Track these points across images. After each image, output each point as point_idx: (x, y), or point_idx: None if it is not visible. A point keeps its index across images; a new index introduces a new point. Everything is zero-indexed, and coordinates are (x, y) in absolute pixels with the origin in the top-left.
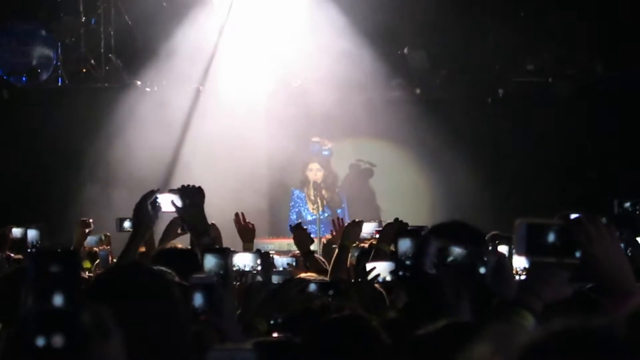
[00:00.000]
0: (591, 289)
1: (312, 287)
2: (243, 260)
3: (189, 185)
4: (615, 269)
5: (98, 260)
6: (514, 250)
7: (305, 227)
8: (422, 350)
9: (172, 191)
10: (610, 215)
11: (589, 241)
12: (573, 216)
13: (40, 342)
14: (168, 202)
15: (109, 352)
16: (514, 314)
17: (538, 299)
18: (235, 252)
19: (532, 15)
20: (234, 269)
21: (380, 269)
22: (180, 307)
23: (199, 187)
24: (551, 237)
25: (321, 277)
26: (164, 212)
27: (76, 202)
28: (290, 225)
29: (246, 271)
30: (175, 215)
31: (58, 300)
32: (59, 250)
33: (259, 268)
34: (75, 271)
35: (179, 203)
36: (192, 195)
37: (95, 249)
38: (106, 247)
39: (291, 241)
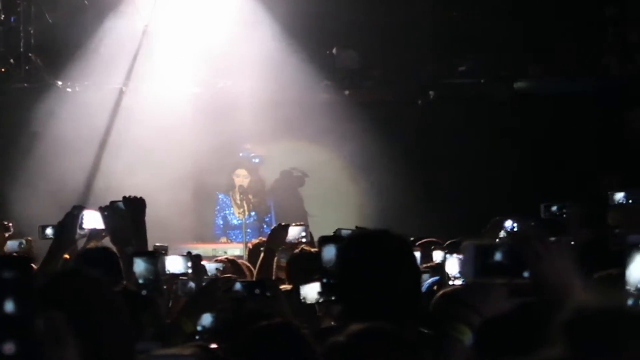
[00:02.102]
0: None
1: (238, 286)
2: (174, 264)
3: (130, 197)
4: (564, 287)
5: None
6: (461, 272)
7: (231, 232)
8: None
9: (115, 210)
10: (537, 219)
11: (537, 260)
12: (507, 224)
13: None
14: (93, 219)
15: (63, 359)
16: (452, 329)
17: (476, 313)
18: (164, 254)
19: (464, 15)
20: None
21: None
22: (124, 315)
23: (142, 199)
24: (499, 257)
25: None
26: (88, 228)
27: None
28: (215, 233)
29: (176, 274)
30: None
31: (10, 306)
32: (10, 255)
33: (190, 271)
34: (28, 277)
35: (102, 223)
36: (135, 209)
37: (15, 254)
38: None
39: (216, 246)
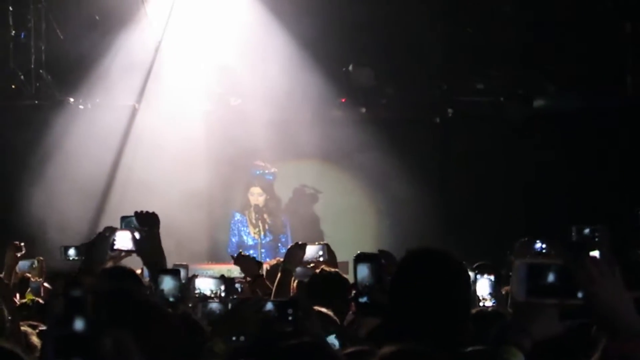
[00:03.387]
0: (588, 325)
1: (269, 306)
2: (206, 285)
3: (143, 212)
4: (618, 309)
5: (29, 289)
6: (511, 292)
7: (246, 252)
8: None
9: (127, 226)
10: (568, 242)
11: (591, 281)
12: (537, 245)
13: None
14: (124, 239)
15: None
16: (503, 352)
17: (527, 336)
18: (196, 275)
19: (481, 32)
20: (196, 292)
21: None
22: (182, 334)
23: (154, 215)
24: (552, 278)
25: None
26: (119, 249)
27: (9, 224)
28: (231, 255)
29: (207, 296)
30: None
31: (79, 324)
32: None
33: (223, 294)
34: (98, 295)
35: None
36: (149, 225)
37: (27, 274)
38: (38, 279)
39: (231, 266)
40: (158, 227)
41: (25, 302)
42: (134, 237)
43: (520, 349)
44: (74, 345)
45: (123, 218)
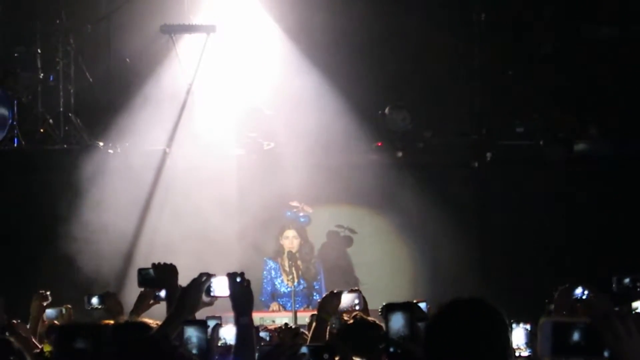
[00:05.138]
0: None
1: (304, 350)
2: (231, 334)
3: (160, 264)
4: None
5: None
6: (538, 350)
7: (280, 300)
8: None
9: (231, 274)
10: (609, 292)
11: (617, 339)
12: (578, 291)
13: None
14: (221, 285)
15: None
16: None
17: None
18: (220, 325)
19: (521, 75)
20: (220, 342)
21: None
22: None
23: (172, 267)
24: (577, 336)
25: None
26: (217, 296)
27: (34, 273)
28: (263, 300)
29: (231, 345)
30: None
31: None
32: (83, 325)
33: None
34: (101, 347)
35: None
36: (166, 277)
37: (55, 322)
38: None
39: (264, 314)
40: (176, 280)
41: (43, 352)
42: (231, 283)
43: None
44: None
45: (140, 271)
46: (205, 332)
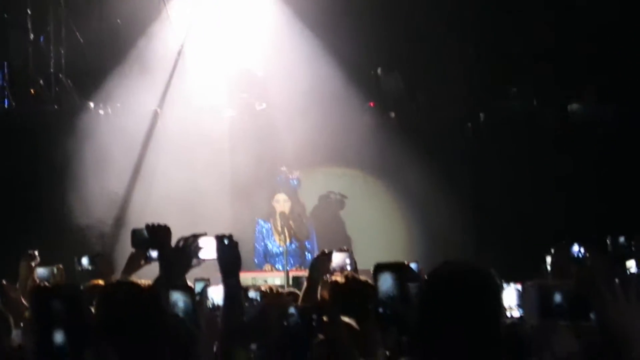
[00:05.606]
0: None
1: (293, 311)
2: (219, 295)
3: (154, 225)
4: (631, 334)
5: None
6: (524, 314)
7: (272, 259)
8: None
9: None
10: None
11: (603, 303)
12: (575, 249)
13: None
14: (208, 247)
15: None
16: None
17: (550, 353)
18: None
19: (515, 37)
20: (209, 302)
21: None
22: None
23: (166, 228)
24: (562, 300)
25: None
26: (204, 259)
27: (23, 233)
28: (256, 262)
29: (219, 306)
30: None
31: (59, 338)
32: (60, 286)
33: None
34: (79, 308)
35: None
36: (160, 238)
37: (45, 283)
38: None
39: (256, 274)
40: (170, 241)
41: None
42: (218, 245)
43: None
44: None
45: (134, 231)
46: (192, 296)
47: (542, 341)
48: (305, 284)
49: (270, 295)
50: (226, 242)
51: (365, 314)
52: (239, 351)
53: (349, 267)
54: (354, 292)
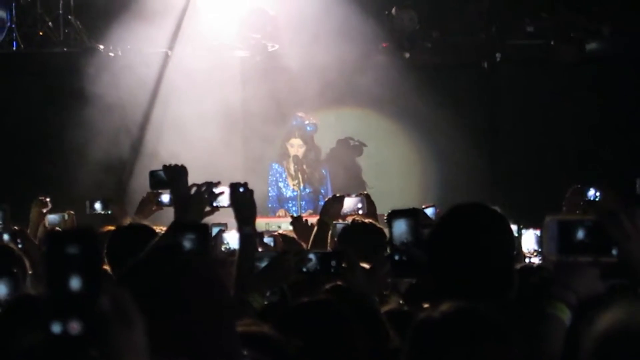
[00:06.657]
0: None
1: (312, 256)
2: (234, 239)
3: (171, 165)
4: None
5: None
6: (544, 250)
7: (286, 204)
8: (426, 337)
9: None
10: (632, 195)
11: (626, 237)
12: (590, 193)
13: (57, 328)
14: (223, 196)
15: (130, 340)
16: (551, 307)
17: (573, 293)
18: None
19: None
20: (224, 246)
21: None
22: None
23: (183, 167)
24: (583, 234)
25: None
26: (219, 206)
27: (34, 178)
28: (270, 206)
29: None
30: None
31: (75, 284)
32: (75, 230)
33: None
34: (95, 252)
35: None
36: (177, 177)
37: (57, 229)
38: None
39: (270, 220)
40: (186, 179)
41: None
42: (233, 193)
43: (567, 306)
44: (70, 306)
45: (152, 172)
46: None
47: (564, 281)
48: (315, 227)
49: (286, 241)
50: (241, 190)
51: (379, 260)
52: (256, 297)
53: (360, 212)
54: (363, 235)
